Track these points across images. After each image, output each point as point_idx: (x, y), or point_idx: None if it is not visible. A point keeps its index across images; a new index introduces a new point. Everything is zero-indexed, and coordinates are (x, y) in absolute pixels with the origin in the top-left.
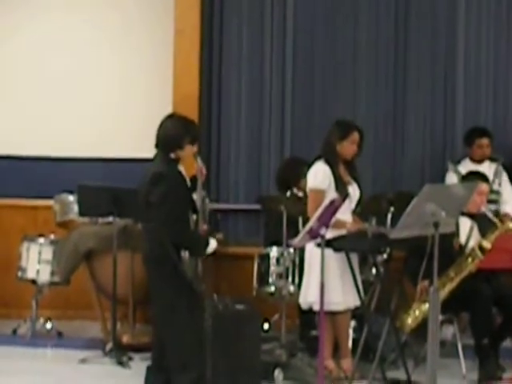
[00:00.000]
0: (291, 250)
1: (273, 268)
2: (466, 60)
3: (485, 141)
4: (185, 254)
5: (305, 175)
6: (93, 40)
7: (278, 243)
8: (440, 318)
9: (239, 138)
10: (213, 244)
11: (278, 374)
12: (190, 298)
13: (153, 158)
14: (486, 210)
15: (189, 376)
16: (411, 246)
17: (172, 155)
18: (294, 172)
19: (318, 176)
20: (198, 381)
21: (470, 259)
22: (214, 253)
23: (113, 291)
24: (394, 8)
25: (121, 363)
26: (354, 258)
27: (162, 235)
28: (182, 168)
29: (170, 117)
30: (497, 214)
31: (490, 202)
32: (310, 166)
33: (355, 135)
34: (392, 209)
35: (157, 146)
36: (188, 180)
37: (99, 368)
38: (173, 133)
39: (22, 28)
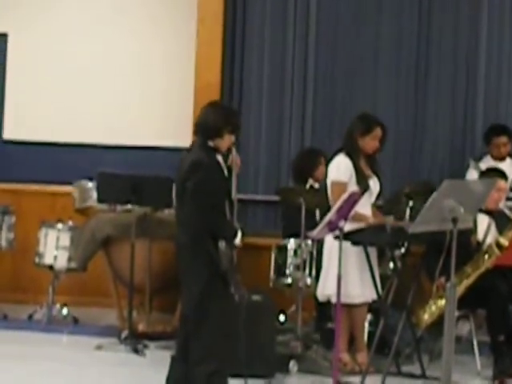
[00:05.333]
0: (309, 241)
1: (290, 260)
2: (487, 55)
3: (502, 139)
4: (222, 244)
5: (320, 165)
6: (115, 28)
7: (296, 235)
8: (456, 313)
9: (260, 128)
10: (239, 236)
11: (292, 365)
12: (222, 289)
13: (190, 145)
14: (504, 207)
15: (206, 368)
16: (429, 241)
17: (211, 144)
18: (310, 163)
19: (341, 168)
20: (214, 374)
21: (487, 256)
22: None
23: (130, 279)
24: (417, 2)
25: (136, 351)
26: (373, 251)
27: (197, 223)
28: (220, 157)
29: (212, 105)
30: None
31: (509, 199)
32: (331, 158)
33: (378, 131)
34: (411, 203)
35: (196, 133)
36: (226, 170)
37: (114, 355)
38: (213, 121)
39: (46, 16)
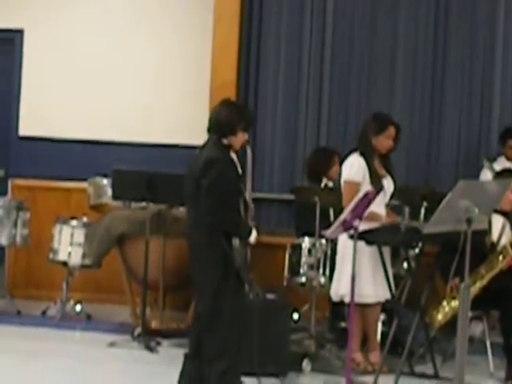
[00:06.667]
0: (323, 241)
1: (304, 259)
2: (504, 55)
3: None
4: (235, 242)
5: (334, 164)
6: (131, 25)
7: (310, 234)
8: (469, 314)
9: (275, 127)
10: (254, 234)
11: (306, 364)
12: (235, 286)
13: (204, 143)
14: None
15: (219, 367)
16: (443, 242)
17: (225, 141)
18: (324, 162)
19: (353, 168)
20: (228, 372)
21: (501, 257)
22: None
23: (144, 276)
24: (434, 3)
25: (149, 348)
26: (386, 251)
27: (211, 220)
28: (233, 155)
29: (225, 102)
30: None
31: None
32: (344, 157)
33: (391, 130)
34: (425, 204)
35: (209, 130)
36: (239, 168)
37: (127, 352)
38: (227, 118)
39: (62, 12)
